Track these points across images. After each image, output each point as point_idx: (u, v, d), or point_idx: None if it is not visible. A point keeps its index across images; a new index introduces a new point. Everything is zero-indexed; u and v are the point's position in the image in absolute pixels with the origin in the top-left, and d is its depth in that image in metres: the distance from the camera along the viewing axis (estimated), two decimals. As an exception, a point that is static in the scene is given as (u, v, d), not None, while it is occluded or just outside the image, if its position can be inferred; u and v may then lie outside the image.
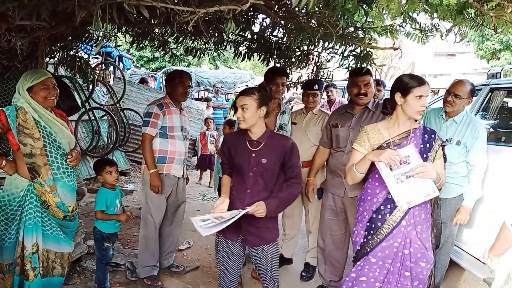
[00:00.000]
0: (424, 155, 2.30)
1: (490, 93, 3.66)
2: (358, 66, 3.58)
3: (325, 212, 3.33)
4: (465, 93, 3.07)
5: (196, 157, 8.63)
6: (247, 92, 2.47)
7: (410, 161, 2.23)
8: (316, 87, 3.62)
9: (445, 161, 2.42)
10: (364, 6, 2.37)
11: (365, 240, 2.41)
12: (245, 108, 2.40)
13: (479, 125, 3.10)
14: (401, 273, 2.33)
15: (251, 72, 15.90)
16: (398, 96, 2.34)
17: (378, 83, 4.10)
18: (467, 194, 3.06)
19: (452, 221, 3.10)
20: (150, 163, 3.33)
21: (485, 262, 2.46)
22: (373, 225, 2.38)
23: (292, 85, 4.54)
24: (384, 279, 2.35)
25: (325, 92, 7.02)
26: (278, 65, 4.29)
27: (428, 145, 2.33)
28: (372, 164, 2.33)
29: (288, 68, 4.29)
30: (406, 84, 2.31)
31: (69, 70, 4.58)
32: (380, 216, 2.35)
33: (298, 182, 2.51)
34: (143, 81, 10.05)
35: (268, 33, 4.05)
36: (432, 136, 2.36)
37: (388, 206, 2.34)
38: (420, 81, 2.30)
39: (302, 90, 3.77)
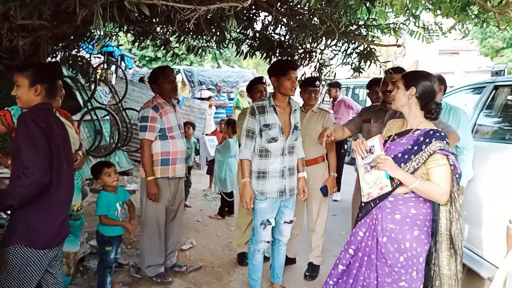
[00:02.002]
0: (406, 156, 2.20)
1: (494, 91, 3.64)
2: (362, 63, 3.57)
3: (355, 210, 3.37)
4: (440, 82, 3.33)
5: (199, 156, 8.59)
6: (20, 68, 2.24)
7: (374, 151, 2.28)
8: (317, 83, 3.61)
9: (454, 174, 2.16)
10: (367, 3, 2.35)
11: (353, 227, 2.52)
12: (17, 85, 2.20)
13: (459, 109, 3.33)
14: (366, 265, 2.32)
15: (253, 71, 15.91)
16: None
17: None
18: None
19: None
20: (149, 170, 3.27)
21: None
22: (357, 215, 2.46)
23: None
24: (349, 264, 2.39)
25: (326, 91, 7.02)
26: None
27: (416, 148, 2.18)
28: None
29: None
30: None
31: (71, 69, 4.59)
32: (360, 205, 2.43)
33: (21, 176, 1.97)
34: (142, 80, 10.11)
35: (270, 31, 4.04)
36: (427, 140, 2.16)
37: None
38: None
39: (301, 87, 3.72)
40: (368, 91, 4.34)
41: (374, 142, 2.29)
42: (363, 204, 2.41)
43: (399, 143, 2.27)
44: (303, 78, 4.33)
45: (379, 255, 2.27)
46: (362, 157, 2.33)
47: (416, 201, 2.23)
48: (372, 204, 2.30)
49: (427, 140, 2.17)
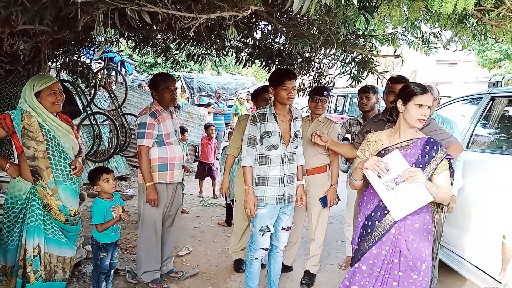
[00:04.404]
0: (421, 166, 2.25)
1: (491, 102, 3.66)
2: (360, 73, 3.59)
3: (356, 218, 3.37)
4: (437, 95, 3.45)
5: (197, 162, 8.58)
6: None
7: (397, 167, 2.20)
8: (325, 93, 3.60)
9: (452, 176, 2.34)
10: (366, 14, 2.37)
11: (358, 246, 2.42)
12: None
13: (451, 121, 3.41)
14: (388, 281, 2.30)
15: (252, 79, 15.98)
16: (400, 104, 2.33)
17: (372, 90, 4.04)
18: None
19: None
20: (147, 176, 3.28)
21: (501, 281, 2.46)
22: (365, 232, 2.38)
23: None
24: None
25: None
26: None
27: (427, 156, 2.27)
28: None
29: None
30: (409, 91, 2.30)
31: (71, 74, 4.61)
32: (370, 223, 2.36)
33: None
34: (140, 86, 10.19)
35: (270, 40, 4.07)
36: (435, 147, 2.29)
37: (378, 213, 2.33)
38: (423, 89, 2.28)
39: (309, 96, 3.72)
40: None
41: (395, 157, 2.23)
42: (370, 223, 2.36)
43: (407, 154, 2.29)
44: (301, 87, 4.34)
45: (401, 268, 2.28)
46: (379, 176, 2.24)
47: (426, 207, 2.29)
48: (391, 221, 2.29)
49: (434, 147, 2.27)
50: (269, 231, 3.11)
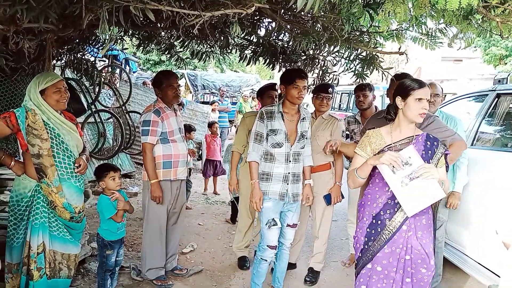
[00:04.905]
0: (426, 161, 2.26)
1: (496, 99, 3.64)
2: (365, 69, 3.58)
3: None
4: (441, 92, 3.45)
5: (201, 161, 8.61)
6: None
7: (412, 162, 2.19)
8: (330, 90, 3.59)
9: (447, 170, 2.38)
10: (370, 11, 2.36)
11: (366, 246, 2.38)
12: None
13: (455, 117, 3.39)
14: (403, 280, 2.30)
15: (256, 76, 15.98)
16: (398, 100, 2.33)
17: (368, 87, 4.01)
18: (456, 181, 3.25)
19: (440, 216, 3.20)
20: (151, 173, 3.30)
21: None
22: (373, 231, 2.36)
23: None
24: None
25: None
26: (284, 69, 4.26)
27: (430, 152, 2.30)
28: (373, 169, 2.33)
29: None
30: (406, 87, 2.30)
31: (75, 72, 4.62)
32: (379, 222, 2.34)
33: None
34: (144, 84, 10.23)
35: (274, 37, 4.06)
36: (435, 143, 2.32)
37: (388, 211, 2.32)
38: (420, 83, 2.29)
39: (313, 93, 3.71)
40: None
41: (410, 153, 2.21)
42: (379, 222, 2.35)
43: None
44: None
45: (412, 265, 2.29)
46: (393, 172, 2.22)
47: None
48: (402, 218, 2.30)
49: (434, 143, 2.31)
50: (276, 224, 3.10)
